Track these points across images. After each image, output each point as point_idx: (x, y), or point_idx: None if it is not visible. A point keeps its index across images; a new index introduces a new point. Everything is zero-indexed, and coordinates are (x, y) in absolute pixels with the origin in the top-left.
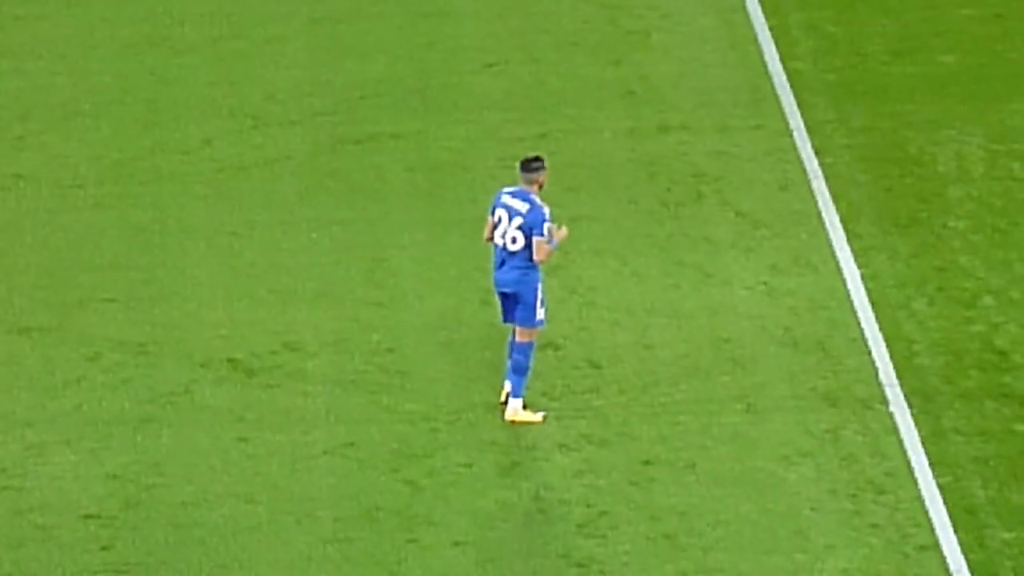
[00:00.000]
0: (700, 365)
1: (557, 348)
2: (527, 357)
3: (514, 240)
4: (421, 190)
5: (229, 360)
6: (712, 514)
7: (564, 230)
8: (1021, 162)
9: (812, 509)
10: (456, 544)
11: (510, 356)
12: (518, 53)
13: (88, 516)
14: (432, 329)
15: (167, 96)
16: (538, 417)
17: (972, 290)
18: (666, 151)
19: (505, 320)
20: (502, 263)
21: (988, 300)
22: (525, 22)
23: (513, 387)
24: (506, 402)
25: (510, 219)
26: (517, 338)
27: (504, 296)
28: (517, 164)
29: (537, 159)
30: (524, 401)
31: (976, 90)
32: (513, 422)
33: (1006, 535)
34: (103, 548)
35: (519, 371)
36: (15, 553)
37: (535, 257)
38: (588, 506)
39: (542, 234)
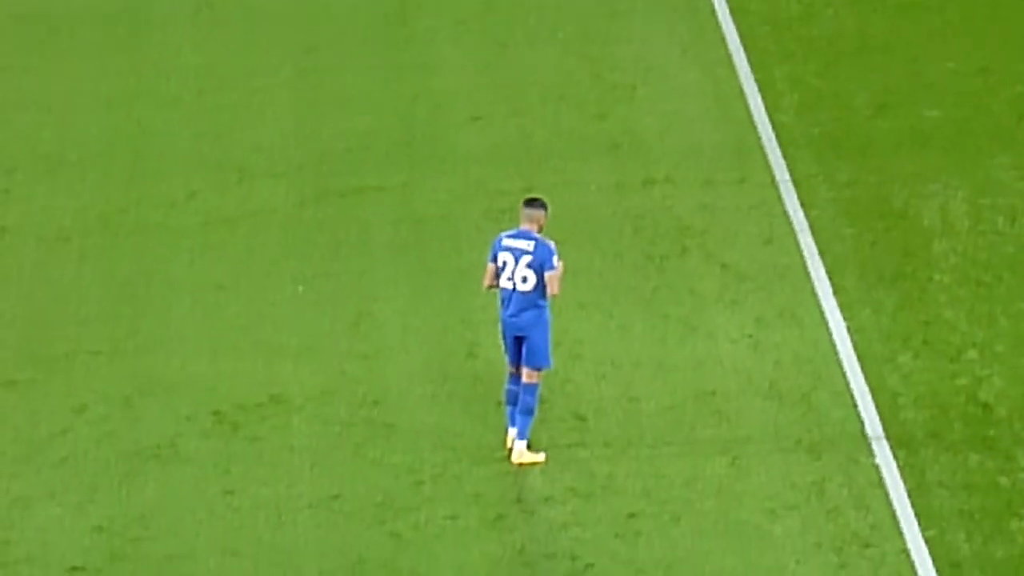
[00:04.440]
0: (685, 418)
1: (543, 401)
2: (535, 398)
3: (524, 279)
4: (406, 243)
5: (214, 413)
6: (697, 567)
7: (562, 262)
8: (1005, 216)
9: (797, 562)
10: None
11: (510, 400)
12: (503, 107)
13: (74, 569)
14: (417, 382)
15: (152, 149)
16: (541, 457)
17: (957, 344)
18: (651, 205)
19: (512, 362)
20: (512, 306)
21: (972, 354)
22: (510, 76)
23: (520, 428)
24: (512, 447)
25: (517, 260)
26: (525, 380)
27: (516, 339)
28: (521, 204)
29: (540, 200)
30: (528, 441)
31: (961, 144)
32: (520, 464)
33: None
34: None
35: (527, 412)
36: None
37: (551, 291)
38: (573, 559)
39: (553, 268)
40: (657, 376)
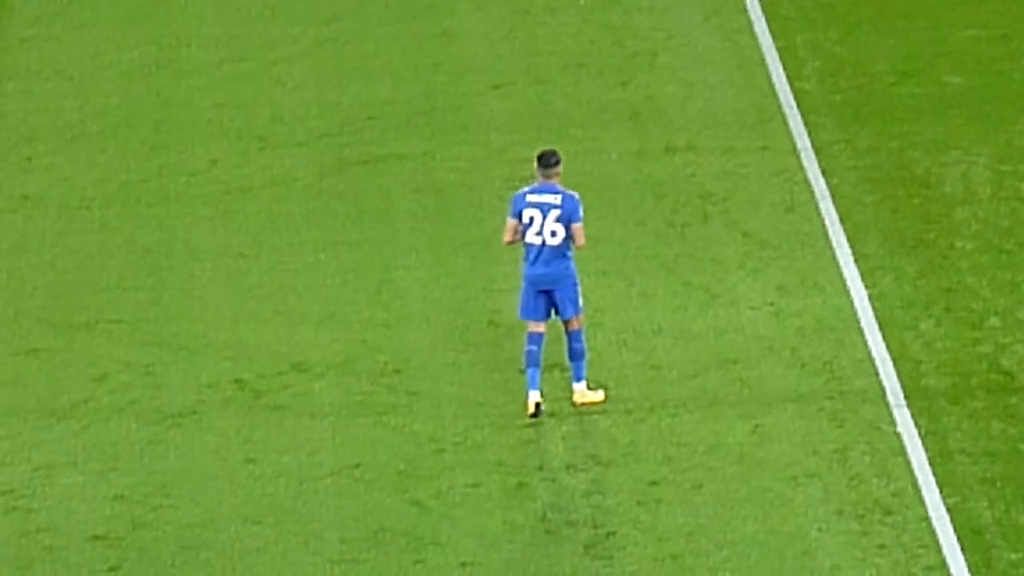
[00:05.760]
0: (707, 386)
1: (564, 369)
2: (583, 343)
3: (554, 233)
4: (427, 211)
5: (236, 381)
6: (719, 535)
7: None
8: None
9: (819, 530)
10: (463, 565)
11: (531, 362)
12: (524, 74)
13: (96, 537)
14: (439, 350)
15: (173, 118)
16: (600, 396)
17: (979, 311)
18: (673, 172)
19: (525, 315)
20: (541, 261)
21: (995, 321)
22: (531, 43)
23: (576, 372)
24: (536, 414)
25: (545, 215)
26: (574, 327)
27: (542, 293)
28: (535, 161)
29: (555, 153)
30: (587, 381)
31: (982, 111)
32: (583, 403)
33: (1012, 556)
34: (110, 569)
35: (580, 356)
36: (23, 574)
37: (578, 242)
38: (595, 527)
39: (580, 219)
40: (679, 344)
